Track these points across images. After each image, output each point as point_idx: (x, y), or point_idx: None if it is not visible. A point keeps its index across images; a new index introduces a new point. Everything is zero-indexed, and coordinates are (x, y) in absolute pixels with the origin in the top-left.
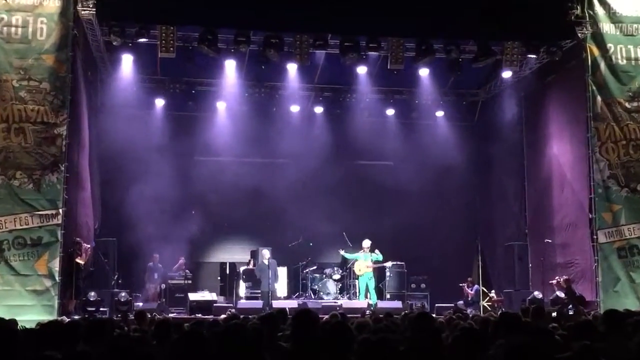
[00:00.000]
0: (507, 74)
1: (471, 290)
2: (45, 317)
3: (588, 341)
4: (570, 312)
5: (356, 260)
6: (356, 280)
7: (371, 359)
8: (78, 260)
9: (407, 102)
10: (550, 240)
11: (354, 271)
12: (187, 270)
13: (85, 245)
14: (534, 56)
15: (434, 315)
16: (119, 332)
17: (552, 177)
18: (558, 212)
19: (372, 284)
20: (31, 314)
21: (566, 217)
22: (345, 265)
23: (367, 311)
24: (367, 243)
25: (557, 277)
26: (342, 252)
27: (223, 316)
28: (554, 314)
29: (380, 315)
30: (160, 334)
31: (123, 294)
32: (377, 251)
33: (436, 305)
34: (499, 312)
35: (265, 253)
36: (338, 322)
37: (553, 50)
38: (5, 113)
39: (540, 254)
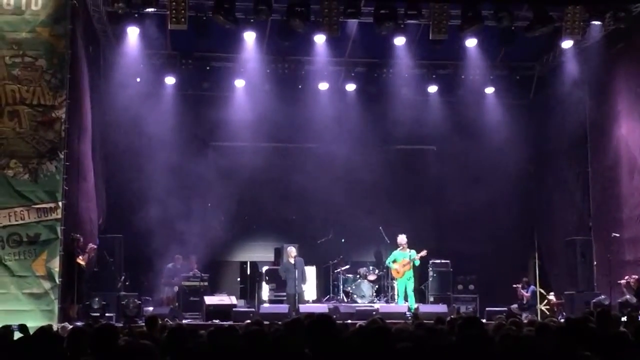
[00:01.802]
0: (567, 44)
1: (526, 292)
2: (45, 323)
3: None
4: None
5: (394, 260)
6: (394, 282)
7: None
8: (79, 260)
9: (451, 78)
10: (618, 235)
11: (391, 273)
12: (196, 270)
13: (91, 245)
14: (598, 23)
15: (484, 320)
16: (127, 340)
17: (620, 162)
18: (627, 202)
19: (410, 286)
20: (29, 319)
21: (637, 207)
22: (382, 265)
23: (408, 314)
24: (402, 239)
25: (626, 277)
26: (389, 263)
27: (245, 322)
28: (624, 319)
29: (425, 321)
30: (174, 343)
31: (131, 298)
32: (412, 251)
33: (486, 309)
34: (559, 317)
35: (292, 251)
36: (377, 328)
37: (621, 15)
38: None
39: (607, 251)
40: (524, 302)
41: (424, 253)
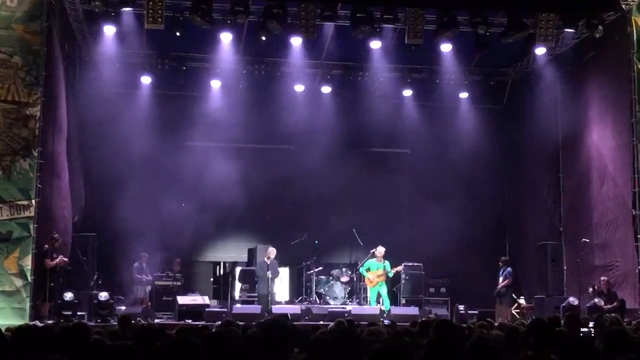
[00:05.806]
0: (540, 51)
1: (501, 274)
2: (16, 321)
3: (632, 355)
4: (607, 322)
5: (368, 269)
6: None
7: None
8: (49, 263)
9: (426, 82)
10: (587, 240)
11: (364, 281)
12: (168, 272)
13: (62, 257)
14: (571, 30)
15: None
16: (98, 338)
17: (591, 169)
18: (597, 208)
19: (384, 290)
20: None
21: (606, 213)
22: (355, 267)
23: (385, 321)
24: (381, 251)
25: (597, 281)
26: (362, 271)
27: (218, 323)
28: (591, 324)
29: (398, 323)
30: (141, 343)
31: (103, 296)
32: (386, 262)
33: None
34: (528, 321)
35: (271, 251)
36: (345, 329)
37: (593, 23)
38: None
39: (577, 256)
40: (499, 289)
41: (399, 268)
